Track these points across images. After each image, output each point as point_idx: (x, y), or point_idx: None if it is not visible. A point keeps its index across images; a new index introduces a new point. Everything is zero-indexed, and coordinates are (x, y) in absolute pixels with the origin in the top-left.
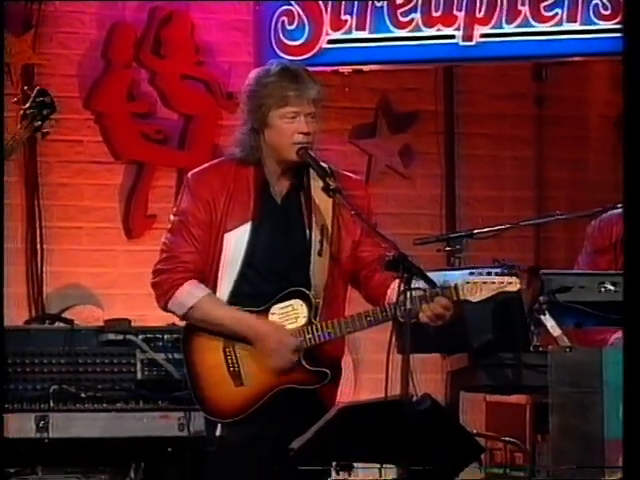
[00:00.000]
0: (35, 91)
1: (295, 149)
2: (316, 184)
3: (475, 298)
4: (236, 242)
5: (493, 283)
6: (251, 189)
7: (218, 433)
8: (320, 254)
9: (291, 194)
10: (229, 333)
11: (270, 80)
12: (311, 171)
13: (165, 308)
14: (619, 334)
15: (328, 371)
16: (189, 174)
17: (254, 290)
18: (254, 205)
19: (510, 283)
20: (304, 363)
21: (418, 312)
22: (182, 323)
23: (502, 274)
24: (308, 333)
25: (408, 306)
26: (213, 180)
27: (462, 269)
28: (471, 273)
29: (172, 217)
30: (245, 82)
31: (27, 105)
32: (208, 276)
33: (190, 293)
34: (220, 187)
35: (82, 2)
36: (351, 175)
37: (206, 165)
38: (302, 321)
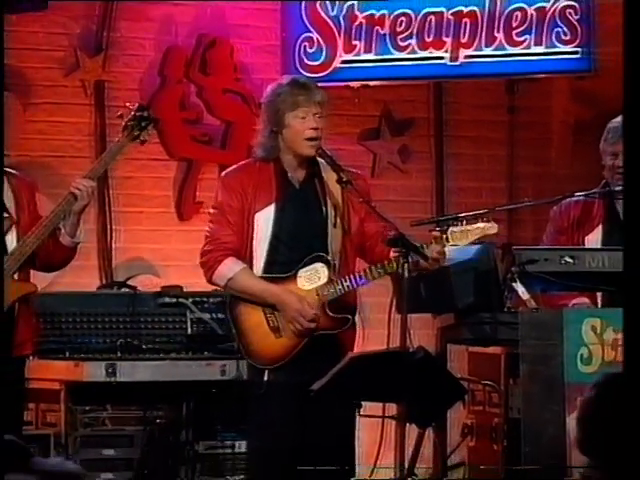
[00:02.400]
0: (136, 107)
1: (309, 145)
2: (327, 173)
3: (463, 242)
4: (265, 220)
5: (476, 230)
6: (272, 178)
7: (265, 378)
8: (335, 226)
9: (307, 180)
10: (260, 301)
11: (283, 90)
12: (321, 162)
13: (210, 281)
14: (577, 299)
15: (350, 317)
16: (222, 174)
17: (284, 258)
18: (276, 189)
19: (489, 227)
20: (329, 312)
21: (418, 261)
22: None
23: (482, 221)
24: (331, 288)
25: (406, 275)
26: (241, 175)
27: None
28: (456, 224)
29: (211, 210)
30: (264, 96)
31: (128, 118)
32: (245, 251)
33: (229, 267)
34: (247, 179)
35: (144, 30)
36: (355, 170)
37: (234, 166)
38: (324, 280)
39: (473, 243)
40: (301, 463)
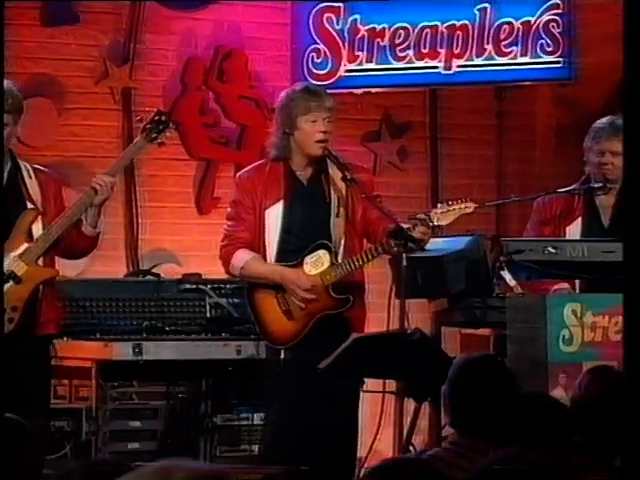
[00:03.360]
0: (155, 112)
1: (318, 146)
2: (333, 170)
3: (444, 222)
4: (274, 215)
5: (454, 210)
6: (282, 177)
7: (282, 357)
8: (338, 216)
9: (314, 177)
10: (270, 283)
11: (297, 96)
12: (327, 161)
13: (227, 272)
14: (559, 285)
15: (351, 297)
16: (237, 175)
17: (293, 247)
18: (285, 187)
19: (467, 207)
20: (332, 294)
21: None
22: None
23: (460, 202)
24: (332, 271)
25: (404, 263)
26: (253, 176)
27: (442, 237)
28: (438, 207)
29: (228, 209)
30: (277, 100)
31: (147, 121)
32: (257, 243)
33: (240, 258)
34: (258, 179)
35: (167, 42)
36: (361, 165)
37: (248, 167)
38: (326, 265)
39: (463, 234)
40: (313, 435)
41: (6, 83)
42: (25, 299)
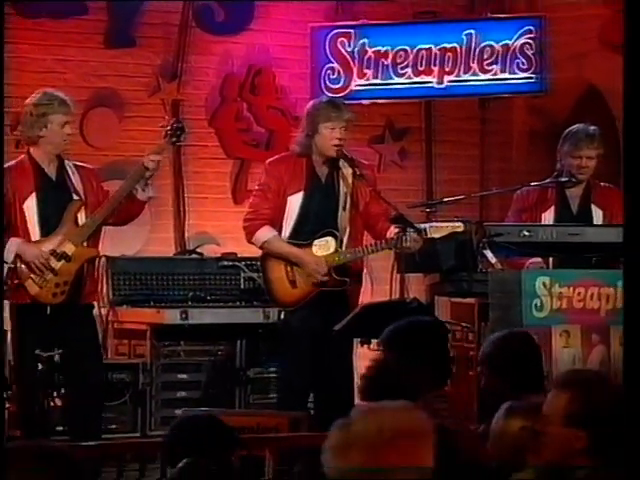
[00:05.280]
0: (173, 120)
1: (333, 149)
2: (344, 169)
3: (436, 235)
4: (295, 202)
5: (447, 227)
6: (303, 171)
7: (282, 317)
8: (344, 209)
9: (330, 175)
10: (285, 260)
11: (321, 106)
12: (341, 160)
13: (249, 241)
14: (531, 260)
15: (347, 279)
16: (266, 161)
17: (306, 229)
18: (306, 180)
19: (457, 227)
20: (334, 275)
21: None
22: None
23: (452, 221)
24: (336, 257)
25: (405, 244)
26: (280, 165)
27: (436, 222)
28: (434, 223)
29: (256, 187)
30: (306, 107)
31: (168, 128)
32: (277, 222)
33: (265, 234)
34: (285, 169)
35: (208, 61)
36: (367, 162)
37: (276, 156)
38: (332, 249)
39: (446, 237)
40: (316, 387)
41: (61, 94)
42: (74, 274)
